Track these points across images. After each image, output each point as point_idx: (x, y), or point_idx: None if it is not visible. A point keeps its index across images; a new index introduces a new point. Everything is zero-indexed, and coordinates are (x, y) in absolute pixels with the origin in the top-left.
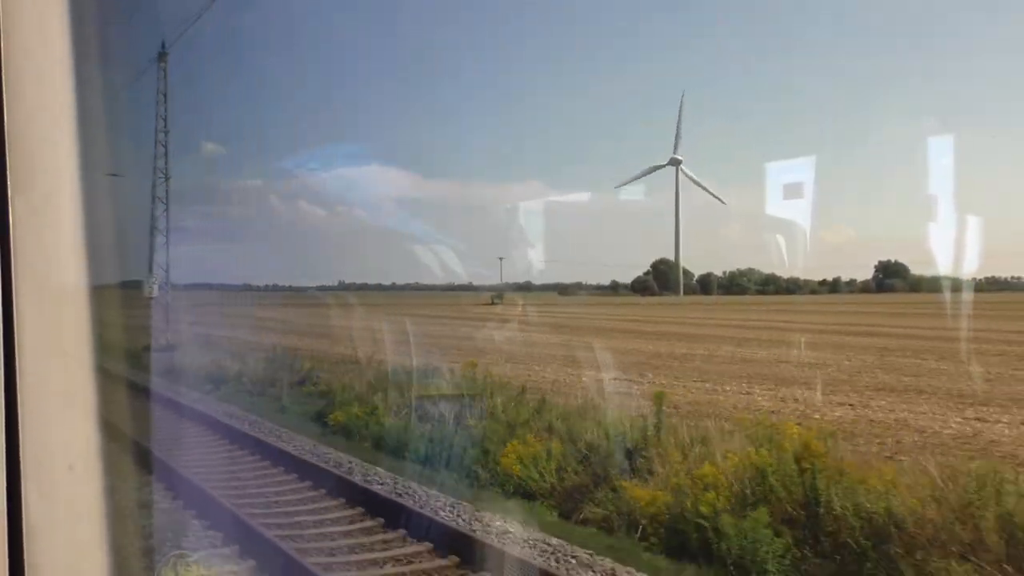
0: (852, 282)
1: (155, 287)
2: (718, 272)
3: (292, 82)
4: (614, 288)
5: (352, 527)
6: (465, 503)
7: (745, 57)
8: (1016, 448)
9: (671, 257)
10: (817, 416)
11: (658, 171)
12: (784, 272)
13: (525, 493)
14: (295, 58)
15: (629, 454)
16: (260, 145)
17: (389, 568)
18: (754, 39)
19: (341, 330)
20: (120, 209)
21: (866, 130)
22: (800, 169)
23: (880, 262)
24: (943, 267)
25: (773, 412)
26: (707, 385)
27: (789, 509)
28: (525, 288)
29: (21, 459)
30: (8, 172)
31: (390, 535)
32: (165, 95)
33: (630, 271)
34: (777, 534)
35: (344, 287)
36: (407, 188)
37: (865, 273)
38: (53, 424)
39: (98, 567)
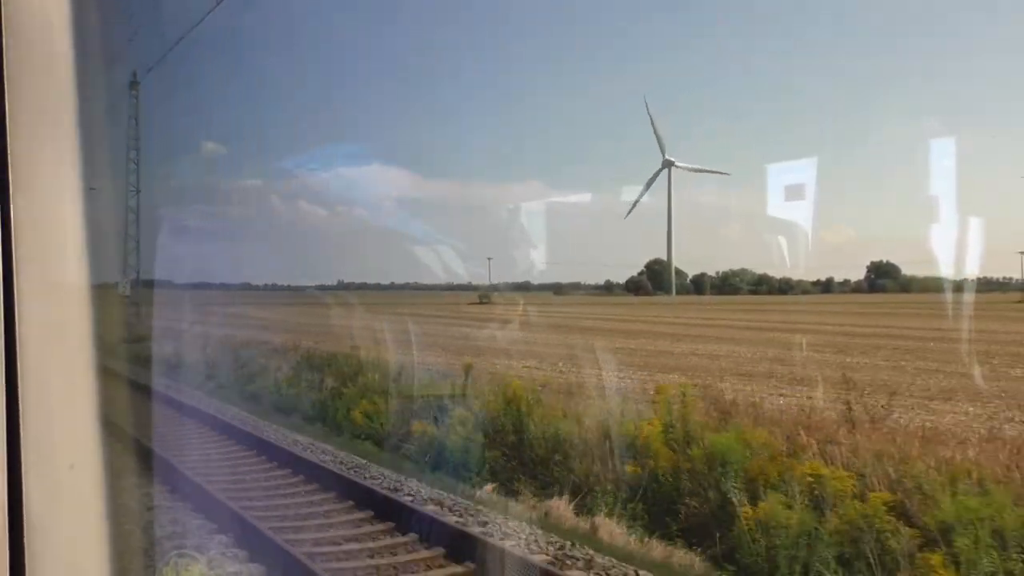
0: (846, 282)
1: (128, 287)
2: (712, 272)
3: (292, 82)
4: (608, 288)
5: (219, 448)
6: (317, 441)
7: (745, 57)
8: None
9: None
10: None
11: (663, 172)
12: (777, 272)
13: (365, 436)
14: (295, 58)
15: (438, 408)
16: (260, 145)
17: (218, 461)
18: (754, 39)
19: (306, 325)
20: (119, 208)
21: (866, 130)
22: (800, 170)
23: (872, 263)
24: (933, 268)
25: (619, 390)
26: (598, 371)
27: (511, 437)
28: (524, 288)
29: (22, 457)
30: (9, 171)
31: (242, 453)
32: (136, 119)
33: (629, 271)
34: (494, 449)
35: (343, 287)
36: (407, 188)
37: (862, 273)
38: (54, 423)
39: (99, 565)
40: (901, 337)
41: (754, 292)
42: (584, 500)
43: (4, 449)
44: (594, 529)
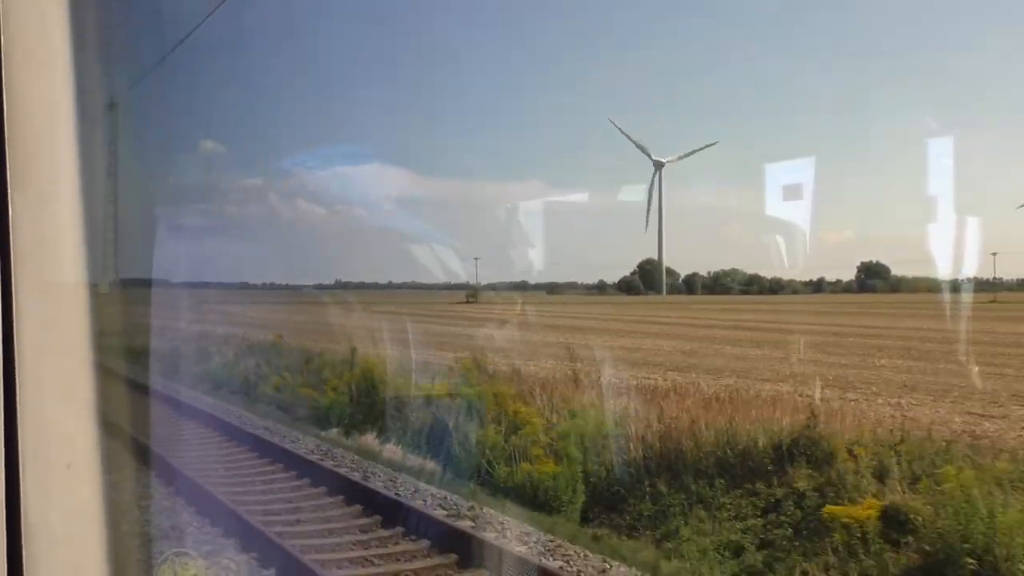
0: (837, 282)
1: (107, 286)
2: (704, 272)
3: (289, 81)
4: (601, 288)
5: (155, 408)
6: (227, 405)
7: (745, 54)
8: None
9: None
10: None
11: (656, 174)
12: (768, 272)
13: (272, 403)
14: (293, 57)
15: (324, 380)
16: (260, 144)
17: (152, 415)
18: (754, 38)
19: (273, 321)
20: (118, 207)
21: (862, 130)
22: (796, 170)
23: (862, 263)
24: (920, 268)
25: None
26: (512, 360)
27: (366, 399)
28: (521, 287)
29: (20, 457)
30: (8, 169)
31: (171, 411)
32: (115, 141)
33: (623, 271)
34: (351, 404)
35: (341, 286)
36: (406, 186)
37: (853, 273)
38: (52, 422)
39: (96, 564)
40: (832, 334)
41: (745, 292)
42: (389, 436)
43: (2, 448)
44: (380, 450)
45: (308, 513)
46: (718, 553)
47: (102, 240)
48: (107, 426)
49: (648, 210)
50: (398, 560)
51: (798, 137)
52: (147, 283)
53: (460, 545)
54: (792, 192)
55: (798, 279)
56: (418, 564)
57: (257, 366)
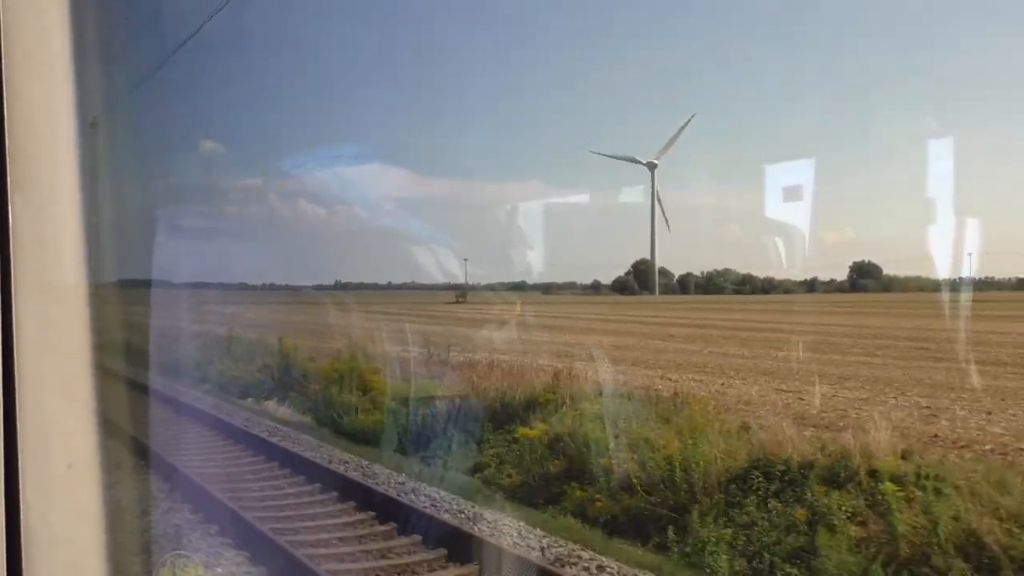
0: (831, 282)
1: (92, 287)
2: (698, 272)
3: (292, 82)
4: (596, 288)
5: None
6: (177, 385)
7: (746, 49)
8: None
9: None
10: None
11: (653, 175)
12: (764, 272)
13: (217, 384)
14: (295, 59)
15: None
16: (260, 144)
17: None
18: (754, 38)
19: (265, 321)
20: (119, 207)
21: (864, 130)
22: (796, 170)
23: (854, 262)
24: (912, 268)
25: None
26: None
27: (282, 377)
28: (519, 287)
29: (20, 458)
30: (8, 170)
31: (130, 392)
32: (97, 158)
33: (619, 271)
34: (271, 381)
35: (340, 286)
36: (406, 187)
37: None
38: (52, 422)
39: (96, 565)
40: (771, 330)
41: (738, 291)
42: (286, 401)
43: (2, 449)
44: (276, 410)
45: (189, 436)
46: (462, 466)
47: (93, 241)
48: (105, 424)
49: (663, 212)
50: (221, 454)
51: (798, 137)
52: (136, 284)
53: (266, 449)
54: (791, 192)
55: (793, 279)
56: (244, 459)
57: (211, 355)
